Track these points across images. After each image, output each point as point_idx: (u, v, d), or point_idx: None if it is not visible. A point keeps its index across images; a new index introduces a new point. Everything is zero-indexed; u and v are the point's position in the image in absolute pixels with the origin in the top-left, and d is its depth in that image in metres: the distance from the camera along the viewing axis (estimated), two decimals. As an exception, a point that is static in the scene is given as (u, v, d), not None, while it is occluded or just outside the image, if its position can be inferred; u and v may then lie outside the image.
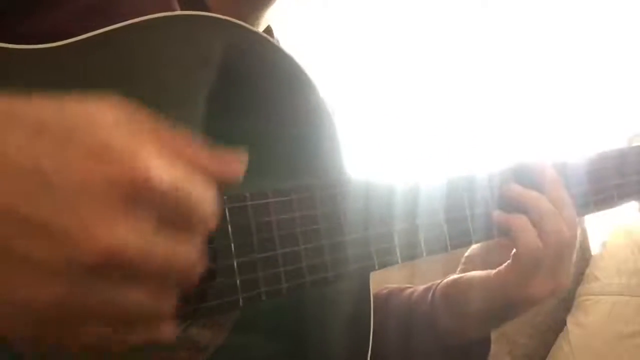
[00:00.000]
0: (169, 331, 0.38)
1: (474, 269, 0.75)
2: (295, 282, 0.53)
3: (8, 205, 0.32)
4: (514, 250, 0.68)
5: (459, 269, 0.78)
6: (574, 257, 0.70)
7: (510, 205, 0.68)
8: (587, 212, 0.75)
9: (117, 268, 0.34)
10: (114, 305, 0.35)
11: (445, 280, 0.76)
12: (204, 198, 0.37)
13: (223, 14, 0.54)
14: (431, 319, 0.75)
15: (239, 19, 0.55)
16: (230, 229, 0.50)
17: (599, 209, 0.75)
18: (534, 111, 1.72)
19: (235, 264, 0.50)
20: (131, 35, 0.50)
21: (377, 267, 0.58)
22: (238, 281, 0.50)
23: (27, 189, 0.33)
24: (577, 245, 0.72)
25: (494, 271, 0.71)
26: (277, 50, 0.56)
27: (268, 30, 0.75)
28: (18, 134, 0.34)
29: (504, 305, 0.70)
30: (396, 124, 1.63)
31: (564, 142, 1.67)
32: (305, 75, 0.57)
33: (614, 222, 1.64)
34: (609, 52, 1.75)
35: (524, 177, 0.69)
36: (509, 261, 0.69)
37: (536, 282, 0.67)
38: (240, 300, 0.50)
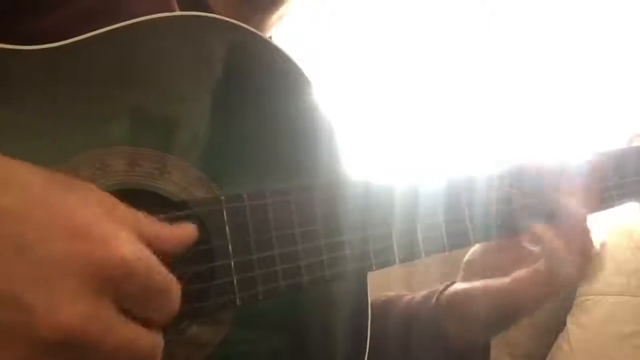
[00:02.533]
0: None
1: (474, 274, 0.76)
2: (293, 281, 0.53)
3: None
4: (544, 263, 0.68)
5: (459, 275, 0.78)
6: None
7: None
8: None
9: (75, 346, 0.35)
10: None
11: (453, 287, 0.77)
12: (172, 287, 0.39)
13: (224, 16, 0.55)
14: (435, 323, 0.75)
15: (241, 21, 0.55)
16: (227, 229, 0.50)
17: (599, 210, 0.74)
18: (534, 111, 1.72)
19: (232, 264, 0.50)
20: (130, 35, 0.50)
21: (374, 268, 0.58)
22: (235, 280, 0.50)
23: (6, 258, 0.34)
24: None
25: (508, 279, 0.71)
26: (275, 50, 0.56)
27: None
28: (4, 202, 0.35)
29: (513, 311, 0.72)
30: (395, 123, 1.63)
31: (564, 142, 1.67)
32: (303, 74, 0.57)
33: (614, 222, 1.64)
34: (609, 52, 1.75)
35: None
36: (531, 270, 0.69)
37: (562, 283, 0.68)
38: (238, 299, 0.50)
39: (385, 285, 0.77)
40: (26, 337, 0.34)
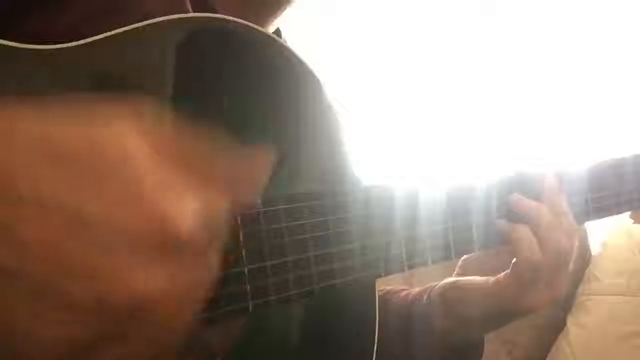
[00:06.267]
0: None
1: (469, 275, 0.76)
2: (304, 289, 0.53)
3: (49, 244, 0.33)
4: (514, 259, 0.68)
5: (454, 273, 0.78)
6: (571, 265, 0.70)
7: (511, 213, 0.68)
8: (587, 220, 0.75)
9: (146, 314, 0.35)
10: (135, 347, 0.36)
11: (443, 282, 0.77)
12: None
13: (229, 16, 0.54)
14: (428, 318, 0.75)
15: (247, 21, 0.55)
16: (241, 236, 0.50)
17: (598, 217, 0.75)
18: (537, 119, 1.72)
19: (246, 271, 0.51)
20: (138, 37, 0.50)
21: (383, 275, 0.59)
22: (248, 288, 0.51)
23: (68, 230, 0.33)
24: (575, 252, 0.72)
25: (492, 278, 0.71)
26: (284, 50, 0.55)
27: (276, 32, 0.75)
28: (54, 172, 0.34)
29: (499, 312, 0.71)
30: (403, 128, 1.63)
31: (565, 149, 1.68)
32: (315, 76, 0.57)
33: (614, 222, 1.65)
34: (612, 58, 1.75)
35: (525, 186, 0.69)
36: (508, 271, 0.69)
37: (534, 292, 0.68)
38: (250, 306, 0.51)
39: (384, 285, 0.77)
40: (94, 306, 0.34)
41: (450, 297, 0.75)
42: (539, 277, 0.67)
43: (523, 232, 0.67)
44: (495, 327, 0.76)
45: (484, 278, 0.73)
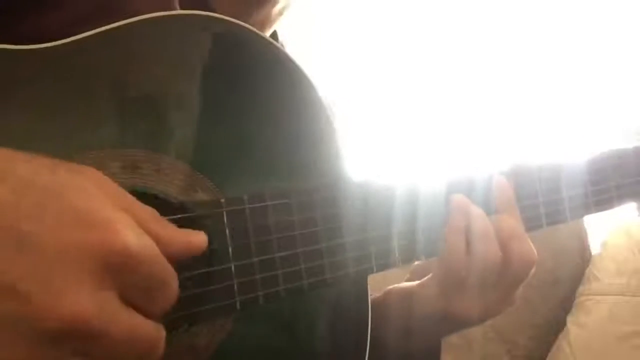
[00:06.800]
0: None
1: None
2: (293, 285, 0.53)
3: None
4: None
5: (405, 279, 0.75)
6: (517, 289, 0.65)
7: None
8: (587, 213, 0.73)
9: (78, 337, 0.34)
10: None
11: (384, 290, 0.75)
12: (173, 276, 0.38)
13: (226, 14, 0.54)
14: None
15: (242, 20, 0.54)
16: (227, 232, 0.50)
17: (598, 210, 0.73)
18: (535, 109, 1.72)
19: (232, 268, 0.50)
20: (127, 34, 0.50)
21: (375, 270, 0.58)
22: (235, 284, 0.50)
23: (4, 250, 0.33)
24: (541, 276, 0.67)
25: (418, 282, 0.68)
26: (275, 49, 0.56)
27: (273, 34, 0.75)
28: (3, 190, 0.34)
29: (426, 317, 0.67)
30: (395, 123, 1.63)
31: (563, 141, 1.67)
32: (303, 74, 0.56)
33: (614, 222, 1.64)
34: (609, 48, 1.75)
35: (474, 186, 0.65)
36: (431, 273, 0.66)
37: (458, 300, 0.63)
38: (238, 303, 0.50)
39: (384, 286, 0.76)
40: (28, 329, 0.33)
41: (387, 305, 0.72)
42: (462, 286, 0.62)
43: (452, 238, 0.62)
44: (433, 336, 0.71)
45: (414, 283, 0.69)
